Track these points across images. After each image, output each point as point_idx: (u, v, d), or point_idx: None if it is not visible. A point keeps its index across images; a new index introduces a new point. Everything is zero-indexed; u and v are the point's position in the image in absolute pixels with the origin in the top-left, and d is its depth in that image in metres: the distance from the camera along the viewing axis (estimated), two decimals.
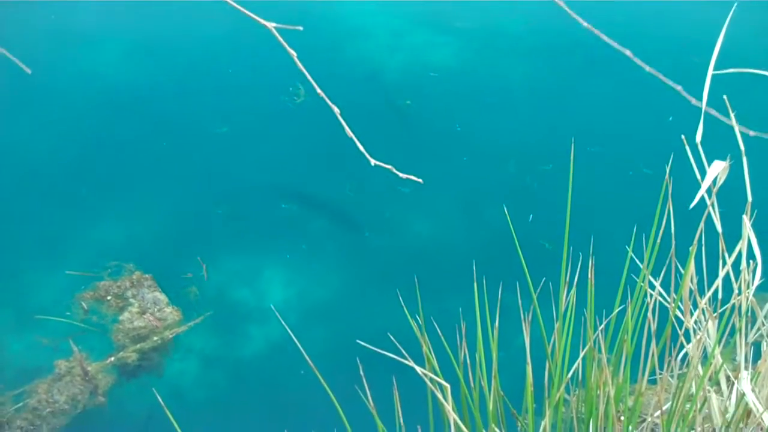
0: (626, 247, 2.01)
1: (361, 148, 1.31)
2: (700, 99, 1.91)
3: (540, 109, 5.20)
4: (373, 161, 1.33)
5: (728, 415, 2.12)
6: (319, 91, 1.30)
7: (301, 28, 1.30)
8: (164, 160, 4.87)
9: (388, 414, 1.98)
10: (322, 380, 1.86)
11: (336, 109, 1.30)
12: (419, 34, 5.75)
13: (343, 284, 4.35)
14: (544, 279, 2.06)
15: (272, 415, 3.79)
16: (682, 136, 2.01)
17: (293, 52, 1.29)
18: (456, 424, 1.72)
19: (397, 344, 1.83)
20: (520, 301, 1.93)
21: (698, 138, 2.04)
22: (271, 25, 1.29)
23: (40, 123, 5.03)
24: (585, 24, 1.66)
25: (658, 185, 4.58)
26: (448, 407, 1.66)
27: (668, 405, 2.01)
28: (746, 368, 2.20)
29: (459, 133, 5.02)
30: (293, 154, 4.91)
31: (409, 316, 1.94)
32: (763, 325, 2.30)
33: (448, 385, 1.69)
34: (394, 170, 1.36)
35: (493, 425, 1.79)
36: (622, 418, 1.97)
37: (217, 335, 4.16)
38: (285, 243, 4.51)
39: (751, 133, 1.91)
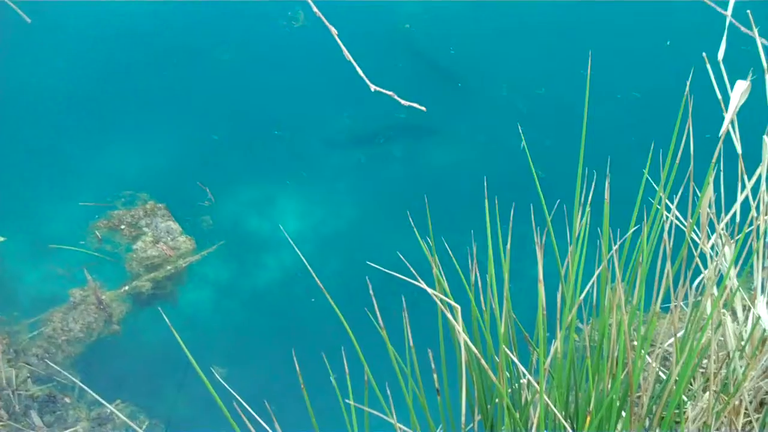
0: (642, 170, 1.97)
1: (361, 72, 1.26)
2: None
3: (535, 32, 5.08)
4: (373, 87, 1.29)
5: (743, 341, 2.10)
6: (316, 11, 1.26)
7: None
8: (171, 90, 4.81)
9: (398, 337, 1.97)
10: (332, 302, 1.84)
11: (334, 30, 1.25)
12: None
13: (355, 211, 4.33)
14: (558, 201, 2.02)
15: (284, 340, 3.80)
16: (704, 54, 1.95)
17: None
18: (466, 345, 1.70)
19: (408, 265, 1.81)
20: (534, 223, 1.90)
21: (720, 55, 1.98)
22: None
23: (48, 56, 4.97)
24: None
25: (648, 108, 4.52)
26: (459, 328, 1.64)
27: (682, 332, 1.98)
28: (763, 294, 2.18)
29: (453, 56, 4.93)
30: (295, 80, 4.83)
31: (419, 237, 1.91)
32: None
33: (458, 307, 1.67)
34: (396, 96, 1.31)
35: (504, 348, 1.78)
36: (635, 343, 1.95)
37: (230, 264, 4.17)
38: (293, 171, 4.47)
39: None
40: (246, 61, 4.92)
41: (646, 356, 2.00)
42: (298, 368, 1.83)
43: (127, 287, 4.02)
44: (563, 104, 4.61)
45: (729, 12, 1.77)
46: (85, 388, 3.03)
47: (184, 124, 4.66)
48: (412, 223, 1.98)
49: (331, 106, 4.69)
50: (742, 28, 1.68)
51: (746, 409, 2.08)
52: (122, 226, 4.21)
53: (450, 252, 1.93)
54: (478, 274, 1.90)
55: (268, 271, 4.13)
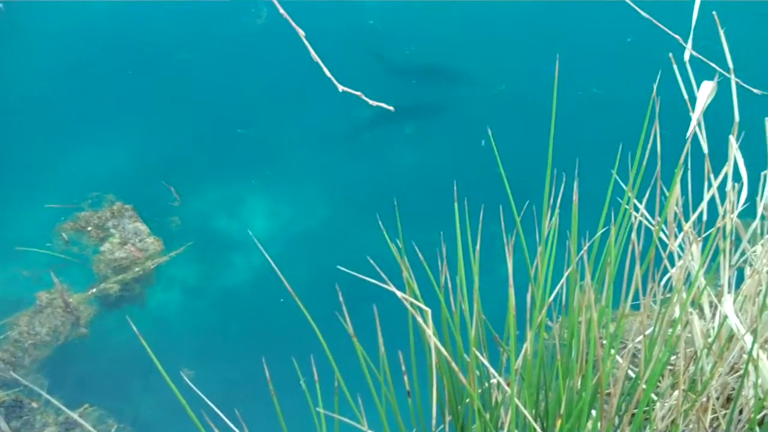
0: (608, 169, 1.98)
1: (328, 73, 1.25)
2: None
3: (496, 29, 5.09)
4: (340, 87, 1.28)
5: (710, 339, 2.12)
6: (282, 12, 1.25)
7: None
8: (135, 90, 4.77)
9: (369, 340, 1.96)
10: (302, 307, 1.83)
11: (301, 32, 1.24)
12: None
13: (325, 210, 4.32)
14: (528, 202, 2.03)
15: (254, 343, 3.79)
16: (670, 54, 1.96)
17: None
18: (437, 348, 1.70)
19: (378, 269, 1.80)
20: (503, 225, 1.90)
21: (686, 56, 2.00)
22: None
23: (9, 58, 4.91)
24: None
25: (609, 104, 4.54)
26: (429, 331, 1.64)
27: (651, 329, 2.00)
28: (729, 292, 2.20)
29: (410, 55, 4.93)
30: (260, 77, 4.81)
31: (388, 240, 1.91)
32: (748, 248, 2.29)
33: (428, 310, 1.67)
34: (363, 96, 1.31)
35: (474, 350, 1.78)
36: (604, 342, 1.96)
37: (199, 265, 4.14)
38: (260, 170, 4.45)
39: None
40: (210, 60, 4.90)
41: (616, 355, 2.01)
42: (268, 375, 1.82)
43: (94, 290, 3.98)
44: (525, 101, 4.63)
45: (695, 13, 1.78)
46: (49, 397, 3.00)
47: (149, 124, 4.63)
48: (381, 226, 1.97)
49: (297, 104, 4.68)
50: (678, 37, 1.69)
51: (714, 405, 2.10)
52: (89, 228, 4.17)
53: (420, 255, 1.92)
54: (448, 276, 1.90)
55: (238, 272, 4.11)
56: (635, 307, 2.10)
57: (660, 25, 1.88)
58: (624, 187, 1.89)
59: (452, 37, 5.02)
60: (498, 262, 2.00)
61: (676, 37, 1.87)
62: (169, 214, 4.25)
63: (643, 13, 1.75)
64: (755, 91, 2.00)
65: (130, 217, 4.22)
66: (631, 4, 1.67)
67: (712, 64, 1.90)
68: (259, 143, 4.55)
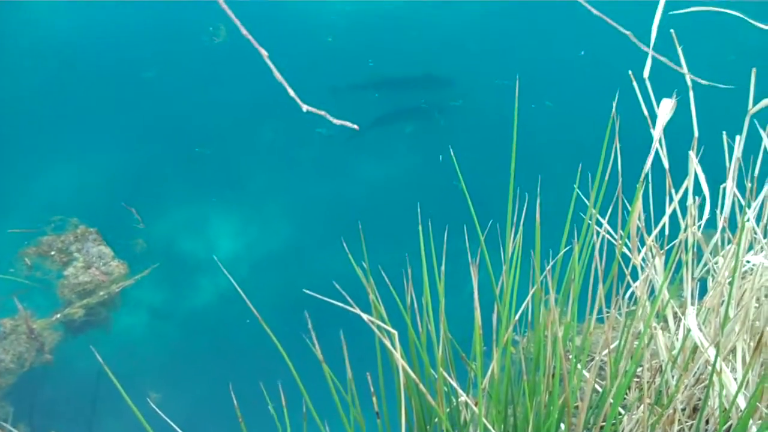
0: (568, 182, 2.00)
1: (292, 93, 1.25)
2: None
3: (452, 43, 5.13)
4: (304, 107, 1.28)
5: (674, 351, 2.14)
6: (245, 32, 1.24)
7: None
8: (96, 111, 4.74)
9: (338, 360, 1.96)
10: (268, 331, 1.82)
11: (264, 52, 1.24)
12: None
13: (291, 229, 4.31)
14: (491, 221, 2.04)
15: (221, 365, 3.77)
16: (629, 72, 1.99)
17: None
18: (404, 370, 1.70)
19: (343, 292, 1.80)
20: (467, 244, 1.91)
21: (646, 73, 2.02)
22: None
23: None
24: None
25: (564, 117, 4.57)
26: (396, 354, 1.64)
27: (616, 343, 2.01)
28: (693, 304, 2.22)
29: (371, 69, 4.95)
30: (221, 96, 4.80)
31: (354, 264, 1.91)
32: (710, 260, 2.32)
33: (395, 332, 1.67)
34: (327, 116, 1.31)
35: (441, 370, 1.78)
36: (571, 356, 1.97)
37: (165, 287, 4.11)
38: (224, 189, 4.44)
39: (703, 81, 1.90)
40: (170, 79, 4.88)
41: (582, 369, 2.02)
42: (235, 401, 1.81)
43: (59, 315, 3.94)
44: (482, 114, 4.66)
45: (651, 42, 1.81)
46: (10, 429, 2.96)
47: (111, 146, 4.59)
48: (346, 249, 1.97)
49: (260, 122, 4.66)
50: (643, 46, 1.71)
51: (680, 417, 2.12)
52: (52, 252, 4.12)
53: (385, 277, 1.92)
54: (414, 296, 1.90)
55: (204, 293, 4.08)
56: (603, 320, 2.13)
57: (627, 32, 1.90)
58: (587, 202, 1.91)
59: (410, 50, 5.05)
60: (465, 279, 2.00)
61: (641, 45, 1.89)
62: (133, 236, 4.21)
63: (610, 21, 1.77)
64: (720, 86, 2.03)
65: (94, 240, 4.18)
66: (597, 13, 1.68)
67: (676, 67, 1.93)
68: (223, 163, 4.54)
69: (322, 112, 1.32)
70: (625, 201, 2.01)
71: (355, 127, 1.30)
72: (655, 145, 1.91)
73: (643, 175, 1.86)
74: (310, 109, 1.32)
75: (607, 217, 2.05)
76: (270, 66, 1.33)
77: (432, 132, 4.64)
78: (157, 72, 4.89)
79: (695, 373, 2.17)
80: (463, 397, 1.81)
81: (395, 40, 5.11)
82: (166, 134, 4.66)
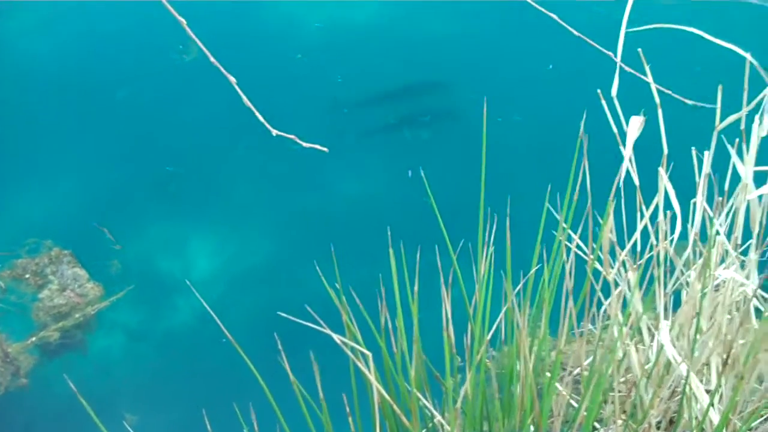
0: (544, 203, 2.01)
1: (261, 118, 1.26)
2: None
3: (419, 57, 5.15)
4: (274, 131, 1.29)
5: (648, 366, 2.15)
6: (213, 60, 1.25)
7: None
8: (68, 131, 4.72)
9: (315, 383, 1.96)
10: (242, 353, 1.82)
11: (232, 79, 1.25)
12: None
13: (268, 247, 4.30)
14: (463, 240, 2.05)
15: (198, 386, 3.75)
16: (598, 91, 2.00)
17: (183, 20, 1.24)
18: (379, 392, 1.70)
19: (315, 315, 1.81)
20: (439, 264, 1.92)
21: (614, 91, 2.04)
22: None
23: None
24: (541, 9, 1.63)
25: (533, 131, 4.60)
26: (370, 376, 1.64)
27: (590, 359, 2.03)
28: (667, 317, 2.24)
29: (341, 84, 4.97)
30: (194, 113, 4.79)
31: (327, 286, 1.91)
32: (681, 275, 2.34)
33: (369, 354, 1.67)
34: (297, 139, 1.31)
35: (415, 390, 1.78)
36: (548, 374, 1.98)
37: (141, 308, 4.09)
38: (200, 208, 4.43)
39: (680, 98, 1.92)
40: (143, 98, 4.87)
41: (555, 383, 2.03)
42: (208, 425, 1.80)
43: (34, 338, 3.90)
44: (453, 130, 4.69)
45: (618, 57, 1.83)
46: None
47: (84, 166, 4.57)
48: (318, 271, 1.97)
49: (234, 140, 4.65)
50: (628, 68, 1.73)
51: (655, 431, 2.13)
52: (27, 275, 4.09)
53: (357, 299, 1.93)
54: (388, 317, 1.91)
55: (181, 314, 4.06)
56: (580, 334, 2.14)
57: (597, 45, 1.92)
58: (558, 217, 1.93)
59: (380, 66, 5.07)
60: (440, 298, 2.01)
61: (610, 55, 1.91)
62: (108, 257, 4.18)
63: (576, 33, 1.79)
64: (687, 101, 2.05)
65: (69, 262, 4.15)
66: (565, 25, 1.70)
67: (641, 72, 1.95)
68: (197, 181, 4.53)
69: (292, 136, 1.33)
70: (598, 217, 2.02)
71: (324, 149, 1.31)
72: (626, 162, 1.93)
73: (613, 192, 1.87)
74: (280, 133, 1.33)
75: (578, 233, 2.07)
76: (239, 92, 1.34)
77: (404, 148, 4.65)
78: (130, 91, 4.88)
79: (671, 386, 2.19)
80: (438, 418, 1.81)
81: (365, 57, 5.13)
82: (140, 154, 4.64)
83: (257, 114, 1.38)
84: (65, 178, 4.52)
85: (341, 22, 5.32)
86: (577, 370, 2.25)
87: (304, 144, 1.41)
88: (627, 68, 1.93)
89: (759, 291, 2.15)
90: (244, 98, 1.36)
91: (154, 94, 4.90)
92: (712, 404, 1.78)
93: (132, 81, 4.94)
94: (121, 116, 4.78)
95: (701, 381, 2.22)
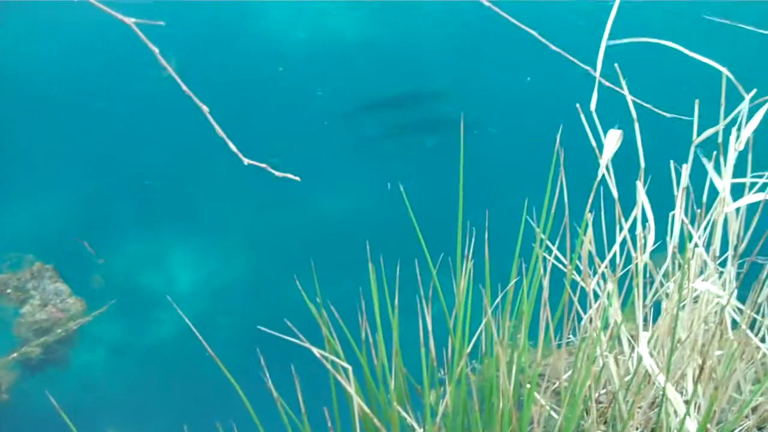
0: (522, 217, 2.03)
1: (233, 147, 1.27)
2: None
3: (396, 70, 5.18)
4: (246, 160, 1.30)
5: (628, 377, 2.17)
6: (186, 89, 1.26)
7: (162, 23, 1.25)
8: (49, 145, 4.71)
9: (295, 398, 1.96)
10: (223, 368, 1.83)
11: (205, 108, 1.26)
12: (322, 7, 5.68)
13: (250, 261, 4.30)
14: (443, 254, 2.06)
15: (181, 401, 3.74)
16: (577, 105, 2.02)
17: (155, 49, 1.25)
18: (359, 405, 1.71)
19: (294, 329, 1.81)
20: (419, 278, 1.93)
21: (593, 106, 2.06)
22: (130, 21, 1.24)
23: None
24: (486, 3, 1.64)
25: (510, 144, 4.62)
26: (350, 389, 1.65)
27: (571, 370, 2.04)
28: (647, 328, 2.26)
29: (321, 98, 4.98)
30: (173, 126, 4.79)
31: (307, 300, 1.92)
32: (660, 286, 2.36)
33: (349, 367, 1.68)
34: (269, 168, 1.32)
35: (396, 404, 1.79)
36: (529, 385, 1.99)
37: (123, 323, 4.07)
38: (183, 222, 4.42)
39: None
40: (121, 111, 4.86)
41: (534, 393, 2.04)
42: None
43: (15, 354, 3.88)
44: (431, 143, 4.71)
45: (598, 73, 1.85)
46: None
47: (65, 180, 4.56)
48: (298, 285, 1.98)
49: (210, 153, 4.64)
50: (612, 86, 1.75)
51: None
52: (8, 290, 4.07)
53: (335, 312, 1.94)
54: (368, 330, 1.91)
55: (163, 328, 4.05)
56: (559, 346, 2.15)
57: (575, 60, 1.94)
58: (536, 228, 1.94)
59: (359, 80, 5.09)
60: (420, 311, 2.02)
61: (590, 70, 1.93)
62: (90, 272, 4.17)
63: (554, 48, 1.80)
64: (665, 114, 2.07)
65: (51, 277, 4.14)
66: (544, 41, 1.72)
67: (616, 84, 1.97)
68: (178, 195, 4.52)
69: (264, 165, 1.33)
70: (577, 229, 2.04)
71: (297, 179, 1.31)
72: (601, 174, 1.95)
73: (589, 204, 1.89)
74: (252, 162, 1.34)
75: (556, 244, 2.09)
76: (212, 122, 1.35)
77: (383, 161, 4.66)
78: (109, 104, 4.88)
79: (651, 396, 2.21)
80: (418, 431, 1.82)
81: (345, 70, 5.15)
82: (120, 167, 4.64)
83: (229, 143, 1.39)
84: (46, 192, 4.51)
85: (324, 35, 5.34)
86: (559, 380, 2.26)
87: (277, 173, 1.41)
88: (605, 83, 1.96)
89: (735, 302, 2.17)
90: (217, 128, 1.37)
91: (134, 108, 4.90)
92: (688, 414, 1.80)
93: (111, 94, 4.93)
94: (100, 130, 4.78)
95: (681, 392, 2.24)
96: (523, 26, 1.55)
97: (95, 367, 3.95)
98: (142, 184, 4.53)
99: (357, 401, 1.65)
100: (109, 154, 4.69)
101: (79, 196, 4.50)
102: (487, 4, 1.58)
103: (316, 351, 1.69)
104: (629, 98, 1.97)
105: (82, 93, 4.95)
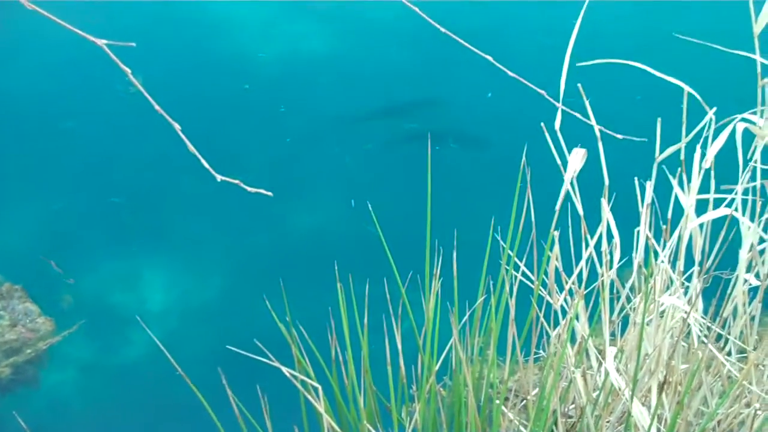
0: (489, 234, 2.05)
1: (206, 164, 1.28)
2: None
3: (376, 90, 5.21)
4: (219, 177, 1.31)
5: (596, 393, 2.20)
6: (157, 108, 1.27)
7: (133, 44, 1.26)
8: (17, 163, 4.69)
9: (271, 415, 1.97)
10: (193, 388, 1.83)
11: (177, 126, 1.27)
12: (291, 25, 5.70)
13: (222, 280, 4.29)
14: (411, 272, 2.08)
15: (153, 422, 3.72)
16: (542, 124, 2.05)
17: (127, 69, 1.26)
18: (329, 424, 1.72)
19: (264, 348, 1.82)
20: (388, 297, 1.95)
21: (557, 125, 2.09)
22: (101, 42, 1.25)
23: None
24: (443, 30, 1.67)
25: (477, 162, 4.65)
26: (320, 408, 1.66)
27: (539, 386, 2.06)
28: (615, 343, 2.29)
29: (283, 114, 5.01)
30: (143, 144, 4.78)
31: (277, 320, 1.93)
32: (628, 301, 2.39)
33: (319, 386, 1.69)
34: (242, 184, 1.34)
35: (366, 422, 1.80)
36: (497, 401, 2.01)
37: (93, 343, 4.05)
38: (154, 241, 4.41)
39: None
40: (89, 132, 4.85)
41: (502, 408, 2.06)
42: None
43: None
44: (396, 160, 4.74)
45: (561, 95, 1.88)
46: None
47: (33, 198, 4.53)
48: (268, 306, 1.99)
49: (179, 170, 4.63)
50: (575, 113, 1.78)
51: None
52: None
53: (303, 331, 1.95)
54: (338, 349, 1.93)
55: (134, 347, 4.03)
56: (536, 359, 2.18)
57: (533, 86, 1.97)
58: (503, 244, 1.97)
59: (323, 97, 5.11)
60: (390, 329, 2.03)
61: (553, 101, 1.96)
62: (60, 292, 4.14)
63: (509, 73, 1.83)
64: (617, 136, 2.10)
65: (20, 297, 4.10)
66: (501, 67, 1.75)
67: (586, 119, 2.00)
68: (148, 214, 4.51)
69: (237, 181, 1.35)
70: (544, 246, 2.07)
71: (269, 194, 1.33)
72: (565, 189, 1.98)
73: (554, 222, 1.92)
74: (224, 178, 1.35)
75: (523, 260, 2.11)
76: (183, 139, 1.36)
77: (350, 178, 4.68)
78: (78, 122, 4.87)
79: (619, 410, 2.23)
80: None
81: (310, 87, 5.18)
82: (89, 186, 4.62)
83: (202, 160, 1.40)
84: (15, 211, 4.48)
85: (291, 53, 5.37)
86: (523, 399, 2.29)
87: (249, 189, 1.43)
88: (565, 108, 1.99)
89: (699, 317, 2.20)
90: (189, 145, 1.38)
91: (102, 127, 4.88)
92: (653, 425, 1.82)
93: (79, 114, 4.92)
94: (68, 149, 4.76)
95: (648, 406, 2.26)
96: (476, 50, 1.57)
97: (65, 387, 3.92)
98: (113, 203, 4.51)
99: (327, 420, 1.67)
100: (78, 173, 4.68)
101: (48, 216, 4.48)
102: (412, 7, 1.60)
103: (285, 370, 1.70)
104: (591, 119, 2.01)
105: (50, 112, 4.93)
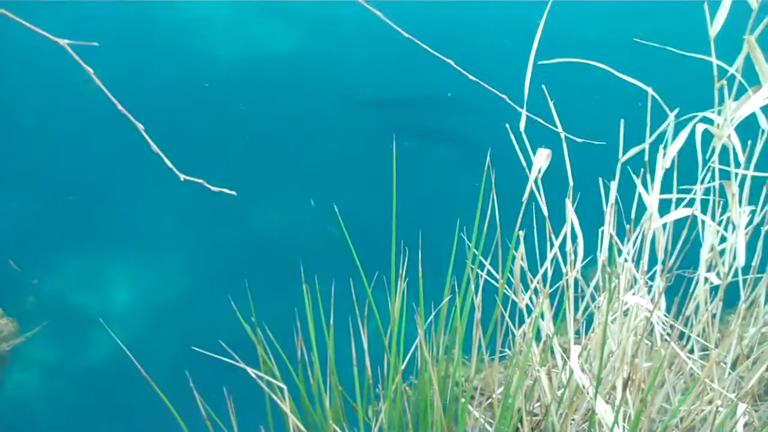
0: (455, 234, 2.06)
1: (169, 164, 1.28)
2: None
3: (337, 91, 5.22)
4: (182, 176, 1.30)
5: (561, 391, 2.22)
6: (121, 108, 1.26)
7: (96, 44, 1.25)
8: None
9: (237, 412, 1.97)
10: (158, 391, 1.82)
11: (140, 126, 1.26)
12: (257, 25, 5.69)
13: (188, 280, 4.26)
14: (377, 272, 2.08)
15: (115, 424, 3.69)
16: (507, 125, 2.07)
17: (90, 70, 1.25)
18: (295, 424, 1.72)
19: (228, 349, 1.82)
20: (354, 297, 1.95)
21: (522, 126, 2.11)
22: (64, 42, 1.24)
23: None
24: (405, 34, 1.67)
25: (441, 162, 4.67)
26: (286, 408, 1.66)
27: (504, 384, 2.08)
28: (579, 341, 2.31)
29: (242, 112, 5.00)
30: (105, 142, 4.74)
31: (242, 320, 1.92)
32: (593, 300, 2.41)
33: (284, 386, 1.69)
34: (205, 184, 1.33)
35: (332, 422, 1.81)
36: (463, 399, 2.02)
37: (57, 343, 4.00)
38: (119, 240, 4.37)
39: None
40: (48, 130, 4.79)
41: (468, 407, 2.07)
42: None
43: None
44: (359, 160, 4.74)
45: (525, 97, 1.89)
46: None
47: None
48: (233, 306, 1.98)
49: (141, 169, 4.59)
50: (539, 119, 1.80)
51: None
52: None
53: (269, 333, 1.94)
54: (304, 349, 1.93)
55: (98, 349, 4.00)
56: (502, 358, 2.19)
57: (494, 90, 1.98)
58: (469, 244, 1.98)
59: (285, 93, 5.11)
60: (355, 329, 2.04)
61: (516, 107, 1.97)
62: (23, 292, 4.10)
63: (470, 76, 1.84)
64: (577, 139, 2.12)
65: None
66: (463, 72, 1.76)
67: (550, 126, 2.02)
68: (111, 213, 4.46)
69: (200, 180, 1.34)
70: (509, 245, 2.08)
71: (233, 193, 1.32)
72: (529, 188, 1.99)
73: (519, 222, 1.94)
74: (188, 178, 1.34)
75: (488, 260, 2.13)
76: (147, 138, 1.35)
77: (317, 180, 4.67)
78: (36, 120, 4.82)
79: (584, 407, 2.25)
80: None
81: (273, 85, 5.17)
82: (49, 184, 4.57)
83: (165, 160, 1.39)
84: None
85: (252, 52, 5.35)
86: (491, 397, 2.30)
87: (213, 188, 1.42)
88: (529, 114, 2.00)
89: (662, 315, 2.23)
90: (153, 145, 1.38)
91: (62, 124, 4.83)
92: (616, 423, 1.84)
93: (38, 111, 4.87)
94: (27, 147, 4.71)
95: (612, 403, 2.29)
96: (435, 53, 1.57)
97: (28, 388, 3.88)
98: (75, 202, 4.47)
99: (293, 420, 1.66)
100: (36, 170, 4.62)
101: (8, 215, 4.42)
102: (370, 8, 1.60)
103: (251, 371, 1.69)
104: (552, 126, 2.03)
105: (8, 109, 4.87)
